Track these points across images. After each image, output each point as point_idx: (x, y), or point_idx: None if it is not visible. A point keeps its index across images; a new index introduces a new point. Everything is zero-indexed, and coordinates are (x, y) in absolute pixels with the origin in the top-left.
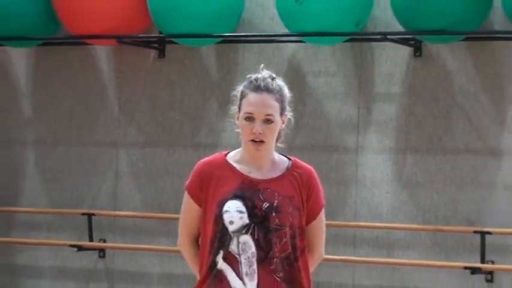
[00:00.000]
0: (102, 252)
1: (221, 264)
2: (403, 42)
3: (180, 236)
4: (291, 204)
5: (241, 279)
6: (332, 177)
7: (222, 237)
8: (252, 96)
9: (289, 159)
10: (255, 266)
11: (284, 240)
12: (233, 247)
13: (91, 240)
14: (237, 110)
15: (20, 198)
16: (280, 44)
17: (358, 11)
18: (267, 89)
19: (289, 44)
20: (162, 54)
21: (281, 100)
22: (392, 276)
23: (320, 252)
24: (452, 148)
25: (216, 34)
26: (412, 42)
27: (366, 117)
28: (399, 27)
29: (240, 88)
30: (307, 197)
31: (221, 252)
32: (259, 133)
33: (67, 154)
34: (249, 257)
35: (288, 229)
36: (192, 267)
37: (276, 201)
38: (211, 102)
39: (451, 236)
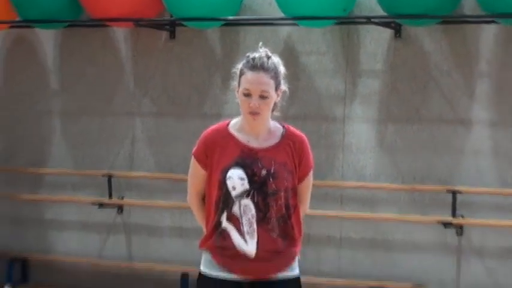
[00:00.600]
0: (120, 208)
1: (225, 224)
2: (385, 25)
3: (189, 194)
4: (286, 169)
5: (243, 237)
6: (322, 143)
7: (225, 200)
8: (249, 75)
9: (283, 126)
10: (254, 226)
11: (279, 202)
12: (235, 209)
13: (110, 197)
14: (236, 85)
15: (48, 161)
16: (277, 27)
17: None
18: (263, 68)
19: (284, 26)
20: (173, 35)
21: (276, 77)
22: (375, 229)
23: (305, 206)
24: (428, 118)
25: (221, 18)
26: (393, 25)
27: (352, 91)
28: (381, 12)
29: (240, 66)
30: (299, 161)
31: (225, 213)
32: (256, 107)
33: (89, 123)
34: (249, 218)
35: (283, 193)
36: (199, 219)
37: (272, 168)
38: (215, 77)
39: (426, 194)
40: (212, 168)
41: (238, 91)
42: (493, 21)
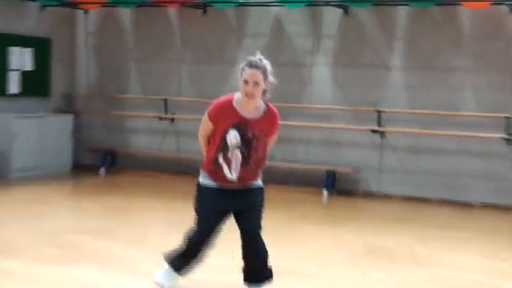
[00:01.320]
0: (172, 120)
1: (221, 161)
2: (338, 6)
3: (200, 135)
4: (263, 133)
5: (230, 171)
6: (297, 80)
7: (223, 148)
8: (248, 70)
9: (266, 105)
10: (239, 167)
11: (257, 153)
12: (229, 155)
13: (166, 113)
14: (240, 76)
15: (128, 90)
16: (270, 7)
17: None
18: (256, 66)
19: (275, 7)
20: (205, 12)
21: (264, 72)
22: (331, 134)
23: (271, 146)
24: (364, 64)
25: (235, 1)
26: (343, 6)
27: (317, 48)
28: None
29: (242, 65)
30: (272, 128)
31: (221, 155)
32: (251, 91)
33: (152, 67)
34: (238, 163)
35: (260, 148)
36: (203, 149)
37: (256, 133)
38: (231, 39)
39: (362, 113)
40: (218, 125)
41: (240, 79)
42: (405, 4)
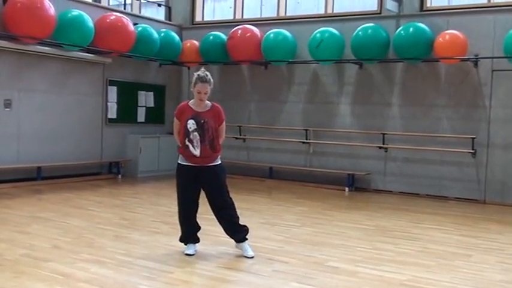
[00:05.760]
0: (244, 140)
1: (187, 143)
2: (355, 63)
3: (174, 131)
4: (212, 120)
5: (194, 148)
6: (328, 113)
7: (187, 133)
8: (199, 84)
9: (212, 103)
10: (199, 144)
11: (209, 134)
12: (191, 137)
13: (240, 135)
14: (193, 86)
15: None
16: (309, 64)
17: None
18: (206, 81)
19: (312, 64)
20: (266, 67)
21: (210, 84)
22: (350, 149)
23: (222, 138)
24: (374, 102)
25: (285, 60)
26: (358, 63)
27: (341, 91)
28: (353, 57)
29: (194, 78)
30: (218, 118)
31: (187, 138)
32: (202, 97)
33: (230, 104)
34: (197, 141)
35: (211, 130)
36: (177, 140)
37: (206, 119)
38: (284, 85)
39: (372, 135)
40: (181, 120)
41: (194, 89)
42: (401, 61)
